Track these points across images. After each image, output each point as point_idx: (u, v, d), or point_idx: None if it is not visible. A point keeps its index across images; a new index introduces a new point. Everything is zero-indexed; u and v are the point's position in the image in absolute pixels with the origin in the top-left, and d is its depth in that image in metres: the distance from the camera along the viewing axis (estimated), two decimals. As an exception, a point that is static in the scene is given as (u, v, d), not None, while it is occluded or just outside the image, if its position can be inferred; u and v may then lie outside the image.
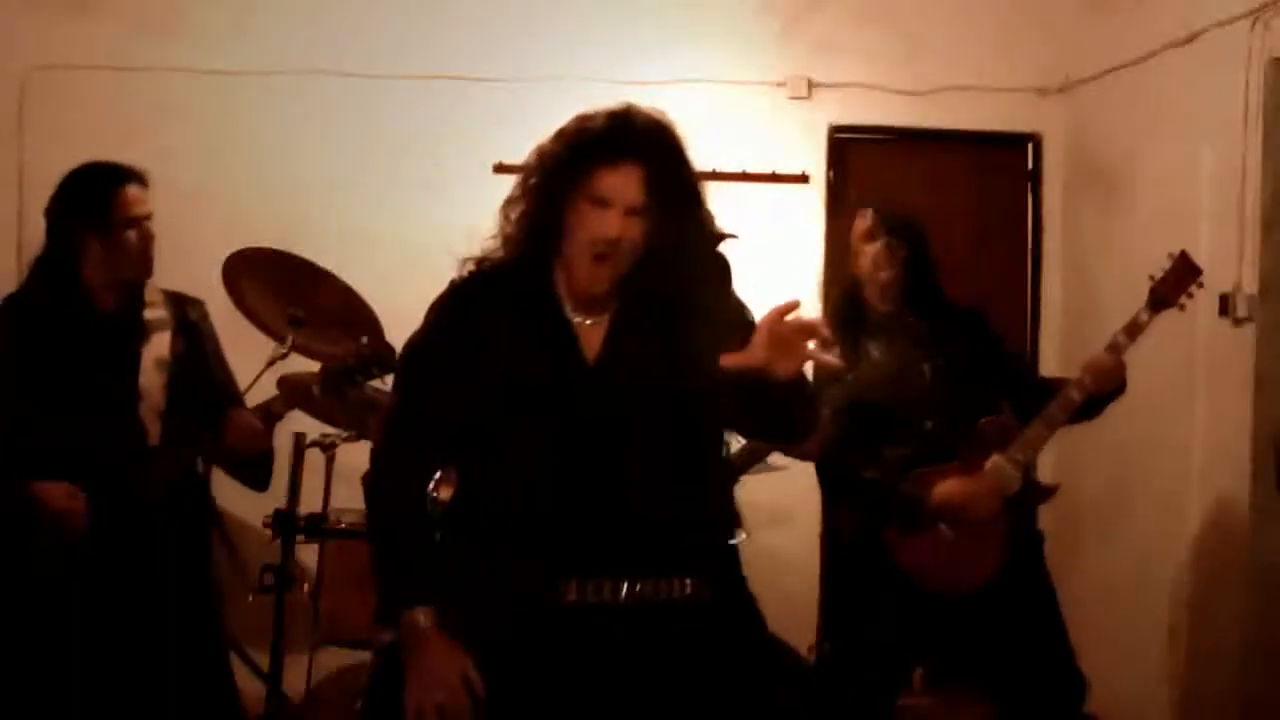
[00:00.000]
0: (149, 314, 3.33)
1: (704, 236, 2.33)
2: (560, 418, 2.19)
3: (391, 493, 2.31)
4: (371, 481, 2.40)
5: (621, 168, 2.21)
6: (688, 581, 2.21)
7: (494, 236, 2.31)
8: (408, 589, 2.20)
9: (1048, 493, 3.60)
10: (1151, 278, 3.33)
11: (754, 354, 2.10)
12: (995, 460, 3.37)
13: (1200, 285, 3.35)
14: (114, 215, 3.23)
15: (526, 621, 2.16)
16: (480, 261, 2.32)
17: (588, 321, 2.27)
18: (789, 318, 2.10)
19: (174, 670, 3.21)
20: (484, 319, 2.25)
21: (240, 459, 3.38)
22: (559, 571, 2.16)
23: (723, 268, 2.46)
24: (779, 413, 2.21)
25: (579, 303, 2.27)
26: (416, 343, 2.35)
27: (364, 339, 3.33)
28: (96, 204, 3.23)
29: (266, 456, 3.45)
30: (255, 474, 3.48)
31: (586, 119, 2.28)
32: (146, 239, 3.29)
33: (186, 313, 3.40)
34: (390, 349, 3.28)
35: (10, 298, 3.32)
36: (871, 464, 3.41)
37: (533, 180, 2.28)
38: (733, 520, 2.47)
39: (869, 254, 3.55)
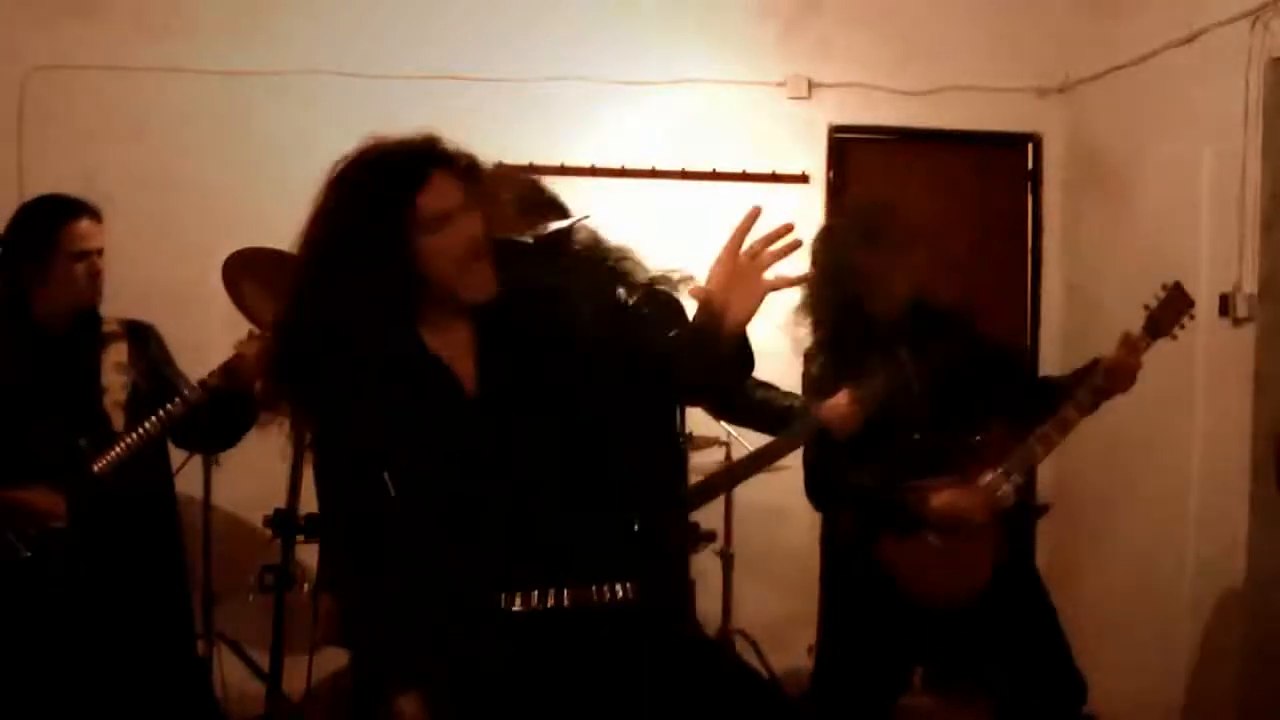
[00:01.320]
0: (105, 329, 3.44)
1: (539, 235, 2.32)
2: (461, 455, 2.20)
3: (363, 581, 2.23)
4: (337, 575, 2.35)
5: (433, 181, 2.17)
6: (627, 585, 2.22)
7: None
8: (395, 673, 2.18)
9: (1040, 511, 3.63)
10: (1146, 306, 3.34)
11: (714, 294, 2.07)
12: (991, 476, 3.38)
13: (1192, 317, 3.37)
14: (62, 249, 3.31)
15: (474, 631, 2.18)
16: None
17: (453, 353, 2.23)
18: (748, 244, 2.06)
19: (146, 663, 3.30)
20: (364, 386, 2.19)
21: (223, 399, 3.38)
22: (502, 583, 2.18)
23: (581, 260, 2.43)
24: (714, 372, 2.18)
25: (439, 338, 2.23)
26: (320, 433, 2.29)
27: None
28: (43, 238, 3.31)
29: (246, 394, 3.41)
30: (240, 413, 3.44)
31: (351, 175, 2.21)
32: (95, 273, 3.37)
33: (139, 333, 3.51)
34: None
35: None
36: (861, 472, 3.41)
37: (343, 258, 2.19)
38: (674, 521, 2.45)
39: (880, 265, 3.46)
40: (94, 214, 3.39)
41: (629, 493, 2.31)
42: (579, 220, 2.66)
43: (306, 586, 3.95)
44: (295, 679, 4.00)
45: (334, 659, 4.12)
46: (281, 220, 5.04)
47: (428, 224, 2.16)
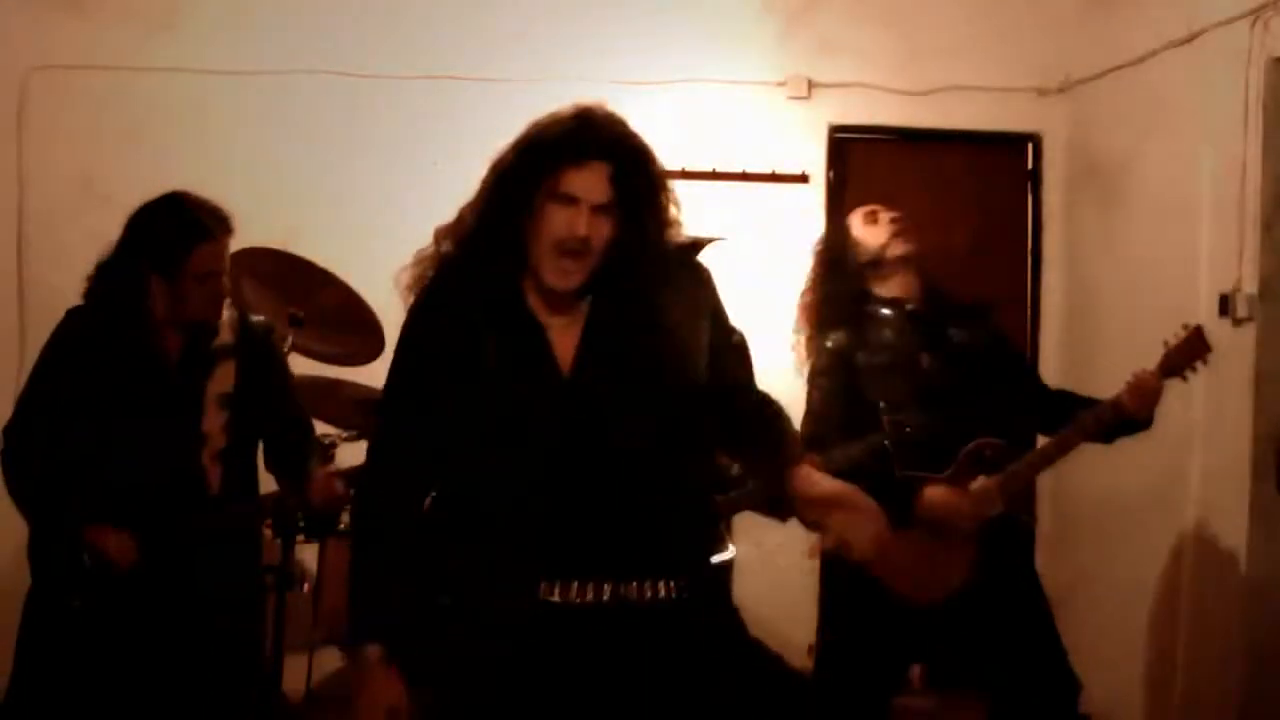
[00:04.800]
0: (217, 341, 3.23)
1: (675, 241, 2.33)
2: (538, 427, 2.20)
3: (376, 524, 2.29)
4: (357, 509, 2.40)
5: (588, 166, 2.22)
6: (671, 583, 2.23)
7: (445, 240, 2.33)
8: (367, 622, 2.24)
9: (1025, 526, 3.66)
10: (1166, 343, 3.35)
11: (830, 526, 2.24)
12: (984, 483, 3.40)
13: (1205, 363, 3.36)
14: (188, 271, 3.09)
15: (512, 621, 2.19)
16: (439, 265, 2.32)
17: (559, 322, 2.25)
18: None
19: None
20: (455, 332, 2.24)
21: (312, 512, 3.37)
22: (543, 573, 2.19)
23: (701, 277, 2.42)
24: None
25: (548, 304, 2.26)
26: (394, 366, 2.33)
27: None
28: (171, 259, 3.09)
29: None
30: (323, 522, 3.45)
31: (546, 122, 2.31)
32: (218, 294, 3.16)
33: (255, 340, 3.31)
34: None
35: (74, 314, 3.19)
36: (863, 449, 3.42)
37: (493, 184, 2.28)
38: (714, 523, 2.47)
39: (877, 232, 3.53)
40: (227, 231, 3.14)
41: (689, 493, 2.31)
42: (716, 240, 2.65)
43: (306, 586, 3.95)
44: (295, 679, 4.01)
45: (334, 659, 4.14)
46: (280, 220, 5.07)
47: (555, 195, 2.20)
